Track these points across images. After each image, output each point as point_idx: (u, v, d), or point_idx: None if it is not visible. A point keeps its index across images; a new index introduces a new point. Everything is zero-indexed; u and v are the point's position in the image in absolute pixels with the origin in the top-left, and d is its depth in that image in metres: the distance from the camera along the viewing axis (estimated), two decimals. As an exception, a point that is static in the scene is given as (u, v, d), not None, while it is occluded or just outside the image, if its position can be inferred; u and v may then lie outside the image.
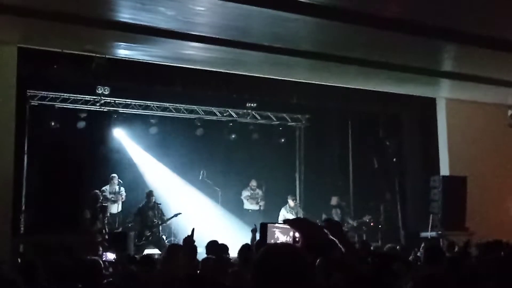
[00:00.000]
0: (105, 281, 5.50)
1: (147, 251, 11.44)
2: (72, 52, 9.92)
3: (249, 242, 9.64)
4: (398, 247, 8.13)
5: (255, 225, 10.40)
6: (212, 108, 14.05)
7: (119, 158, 13.22)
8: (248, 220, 13.06)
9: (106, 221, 11.51)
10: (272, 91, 12.48)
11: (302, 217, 12.68)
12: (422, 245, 9.62)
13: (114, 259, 9.17)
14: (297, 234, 2.14)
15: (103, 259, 9.10)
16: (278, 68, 11.14)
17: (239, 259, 6.46)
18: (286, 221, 2.18)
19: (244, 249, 7.16)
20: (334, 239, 2.14)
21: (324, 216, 13.29)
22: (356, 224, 13.18)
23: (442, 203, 12.10)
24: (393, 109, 13.92)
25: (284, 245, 2.13)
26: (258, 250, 2.13)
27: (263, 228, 2.21)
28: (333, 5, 7.88)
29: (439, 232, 11.83)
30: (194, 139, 13.86)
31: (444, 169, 13.04)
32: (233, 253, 8.25)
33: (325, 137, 15.33)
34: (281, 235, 2.17)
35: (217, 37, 9.15)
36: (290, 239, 2.14)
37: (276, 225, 2.21)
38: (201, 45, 9.40)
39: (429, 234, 11.90)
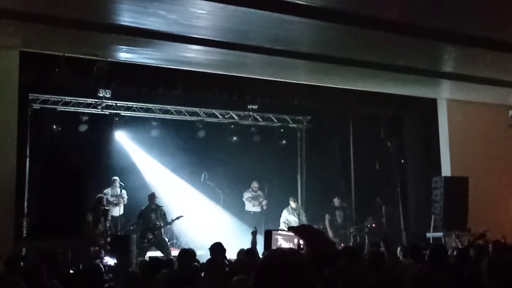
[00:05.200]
0: (106, 285, 5.51)
1: (149, 254, 11.47)
2: (73, 55, 9.94)
3: (250, 244, 9.68)
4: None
5: (255, 227, 10.41)
6: (214, 110, 14.06)
7: (120, 161, 13.24)
8: (250, 221, 13.07)
9: (108, 224, 11.53)
10: (273, 93, 12.50)
11: (306, 222, 12.71)
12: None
13: (114, 263, 9.20)
14: (301, 241, 2.14)
15: (104, 262, 9.14)
16: (279, 70, 11.16)
17: (239, 263, 6.46)
18: (290, 229, 2.19)
19: (247, 253, 7.16)
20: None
21: (327, 217, 13.30)
22: (358, 227, 13.18)
23: (443, 203, 12.10)
24: (394, 110, 13.92)
25: (287, 250, 2.12)
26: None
27: (268, 235, 2.22)
28: (333, 7, 7.89)
29: (441, 233, 11.84)
30: (195, 141, 13.88)
31: (446, 170, 13.05)
32: (234, 254, 8.28)
33: (327, 138, 15.35)
34: (284, 242, 2.18)
35: (218, 39, 9.17)
36: (294, 247, 2.15)
37: (280, 232, 2.23)
38: (202, 48, 9.42)
39: (431, 234, 11.90)
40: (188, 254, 6.70)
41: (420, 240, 11.48)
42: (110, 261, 9.66)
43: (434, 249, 5.87)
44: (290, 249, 2.13)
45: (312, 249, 2.11)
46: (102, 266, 6.46)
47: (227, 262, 7.04)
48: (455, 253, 7.31)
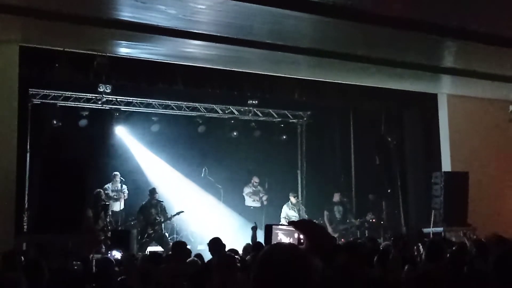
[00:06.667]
0: (119, 278, 5.51)
1: (150, 249, 11.49)
2: (73, 50, 9.92)
3: (250, 239, 9.70)
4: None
5: (255, 222, 10.41)
6: (214, 106, 14.06)
7: (121, 156, 13.25)
8: (250, 217, 13.09)
9: (108, 219, 11.54)
10: (274, 88, 12.48)
11: (306, 217, 12.75)
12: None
13: (121, 256, 9.22)
14: (301, 236, 2.14)
15: (111, 256, 9.15)
16: (279, 65, 11.14)
17: (243, 260, 6.46)
18: (291, 223, 2.18)
19: (255, 248, 7.16)
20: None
21: (326, 213, 13.32)
22: (358, 223, 13.19)
23: (443, 199, 12.08)
24: (395, 105, 13.92)
25: (287, 245, 2.11)
26: None
27: (268, 230, 2.21)
28: (334, 2, 7.87)
29: (441, 228, 11.84)
30: (196, 136, 13.89)
31: (446, 165, 13.05)
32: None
33: (327, 133, 15.36)
34: (284, 237, 2.17)
35: (218, 34, 9.14)
36: (294, 242, 2.14)
37: (280, 227, 2.22)
38: (202, 43, 9.40)
39: (431, 230, 11.90)
40: (182, 246, 6.72)
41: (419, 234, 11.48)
42: (117, 254, 9.67)
43: (432, 244, 5.85)
44: (290, 243, 2.13)
45: (312, 243, 2.10)
46: (113, 260, 6.46)
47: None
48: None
